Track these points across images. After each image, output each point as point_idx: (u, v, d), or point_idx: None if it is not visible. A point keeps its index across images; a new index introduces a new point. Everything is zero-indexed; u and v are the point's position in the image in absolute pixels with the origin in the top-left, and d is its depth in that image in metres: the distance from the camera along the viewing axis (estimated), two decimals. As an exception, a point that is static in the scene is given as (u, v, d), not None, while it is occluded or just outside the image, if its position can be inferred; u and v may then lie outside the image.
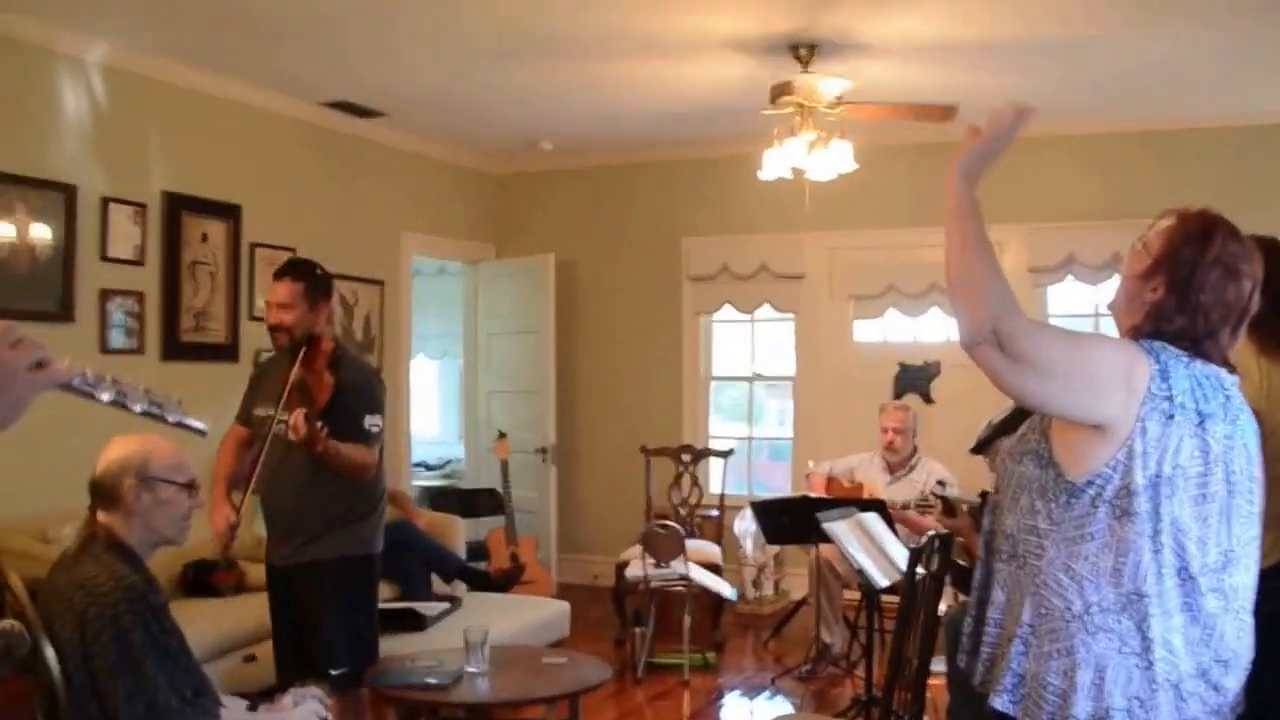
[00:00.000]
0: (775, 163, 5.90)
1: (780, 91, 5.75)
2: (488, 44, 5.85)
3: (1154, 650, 2.03)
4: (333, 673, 4.01)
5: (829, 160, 5.86)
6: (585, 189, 8.75)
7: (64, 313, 5.59)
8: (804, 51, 5.69)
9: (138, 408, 1.12)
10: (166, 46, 5.85)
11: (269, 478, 4.18)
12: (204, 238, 6.39)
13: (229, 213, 6.55)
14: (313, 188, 7.19)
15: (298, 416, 3.91)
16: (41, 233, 5.50)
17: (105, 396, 1.14)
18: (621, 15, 5.38)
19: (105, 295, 5.82)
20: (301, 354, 4.12)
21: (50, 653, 2.55)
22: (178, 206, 6.22)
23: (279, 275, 4.27)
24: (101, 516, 2.92)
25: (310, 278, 4.25)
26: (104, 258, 5.81)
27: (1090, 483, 2.06)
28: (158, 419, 1.14)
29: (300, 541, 4.17)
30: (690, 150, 8.15)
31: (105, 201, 5.81)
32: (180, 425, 1.21)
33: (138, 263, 6.00)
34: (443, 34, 5.67)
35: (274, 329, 4.23)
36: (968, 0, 5.08)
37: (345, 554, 4.18)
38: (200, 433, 1.24)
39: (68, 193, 5.60)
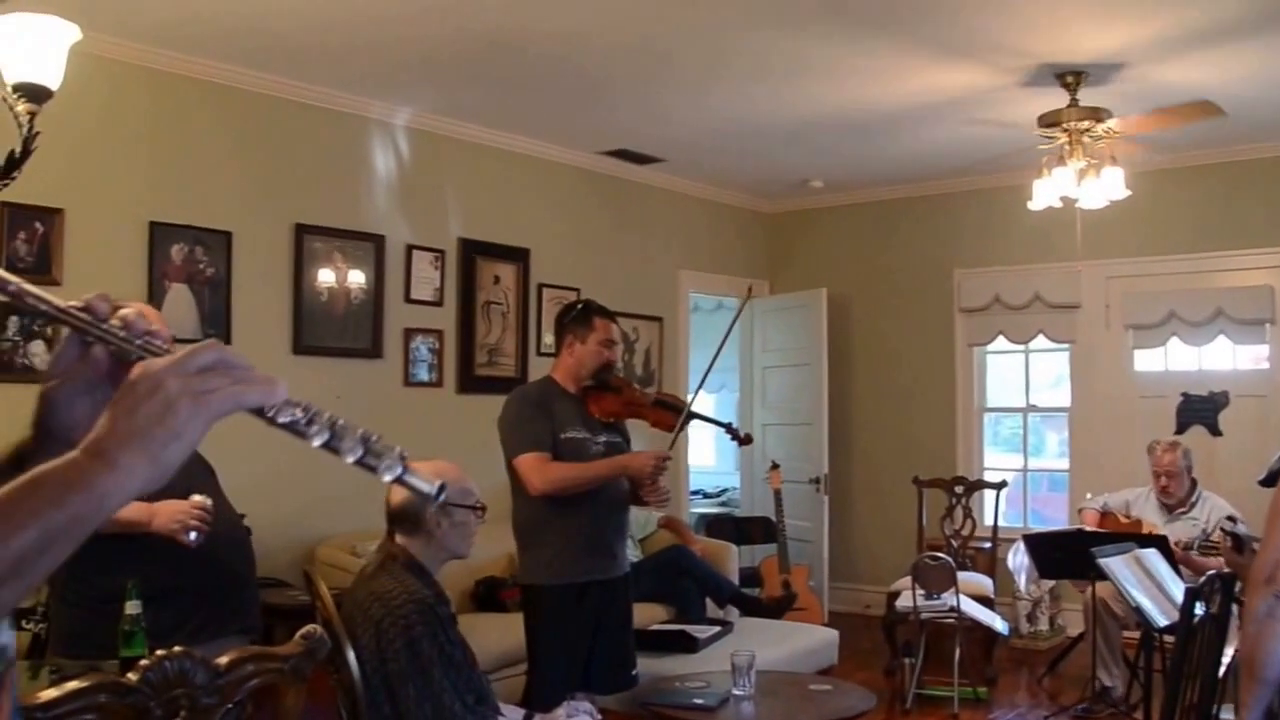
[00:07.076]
0: (1045, 193, 5.85)
1: (1048, 121, 5.73)
2: (752, 102, 6.10)
3: None
4: (635, 673, 4.30)
5: (1100, 188, 5.77)
6: (856, 224, 8.82)
7: (374, 350, 6.17)
8: (1070, 79, 5.64)
9: (350, 459, 0.96)
10: (461, 109, 6.38)
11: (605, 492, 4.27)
12: (496, 280, 6.89)
13: (518, 256, 7.02)
14: (595, 231, 7.60)
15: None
16: (356, 278, 6.10)
17: (317, 441, 0.96)
18: (886, 81, 5.52)
19: (409, 334, 6.36)
20: (611, 380, 4.31)
21: (351, 656, 2.84)
22: (472, 252, 6.74)
23: (613, 317, 4.38)
24: (400, 539, 3.14)
25: None
26: (408, 299, 6.36)
27: None
28: (370, 471, 0.97)
29: (619, 554, 4.29)
30: (961, 183, 8.11)
31: (409, 249, 6.36)
32: (400, 483, 1.00)
33: (437, 304, 6.53)
34: (705, 91, 5.97)
35: (611, 363, 4.35)
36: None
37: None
38: (428, 496, 1.02)
39: (377, 242, 6.18)
